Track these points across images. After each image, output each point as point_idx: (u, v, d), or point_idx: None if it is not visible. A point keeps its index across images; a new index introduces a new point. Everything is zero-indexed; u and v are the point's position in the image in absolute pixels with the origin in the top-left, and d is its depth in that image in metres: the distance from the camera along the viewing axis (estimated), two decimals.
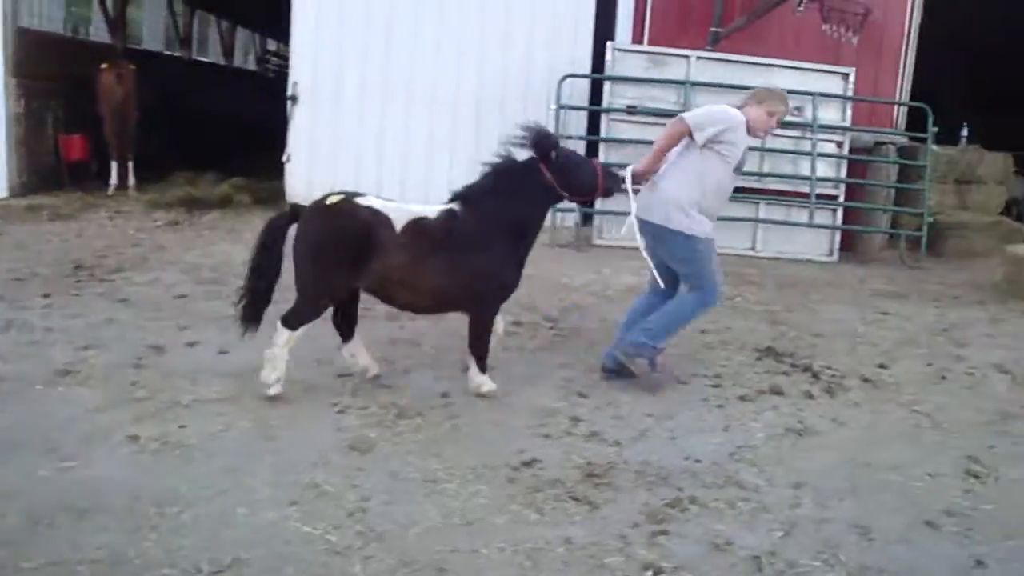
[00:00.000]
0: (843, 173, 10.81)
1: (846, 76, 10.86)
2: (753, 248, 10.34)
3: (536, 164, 5.06)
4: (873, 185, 11.10)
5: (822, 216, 10.55)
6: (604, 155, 10.48)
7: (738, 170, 5.47)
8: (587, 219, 10.55)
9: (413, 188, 10.81)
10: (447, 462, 4.18)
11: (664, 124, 10.30)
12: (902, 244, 10.83)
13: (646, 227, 5.37)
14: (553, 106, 10.45)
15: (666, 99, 10.55)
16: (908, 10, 11.90)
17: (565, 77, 10.51)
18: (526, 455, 4.29)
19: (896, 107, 11.98)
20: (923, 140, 10.97)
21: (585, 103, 11.05)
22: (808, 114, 10.48)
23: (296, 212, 4.94)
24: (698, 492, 4.00)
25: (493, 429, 4.65)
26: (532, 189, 5.08)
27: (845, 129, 10.73)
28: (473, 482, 4.00)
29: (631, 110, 10.63)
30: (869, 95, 11.57)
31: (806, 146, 10.47)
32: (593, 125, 11.04)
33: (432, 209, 5.02)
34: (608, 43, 10.76)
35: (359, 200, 4.87)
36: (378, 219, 4.78)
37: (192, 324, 6.20)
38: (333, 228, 4.80)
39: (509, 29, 11.24)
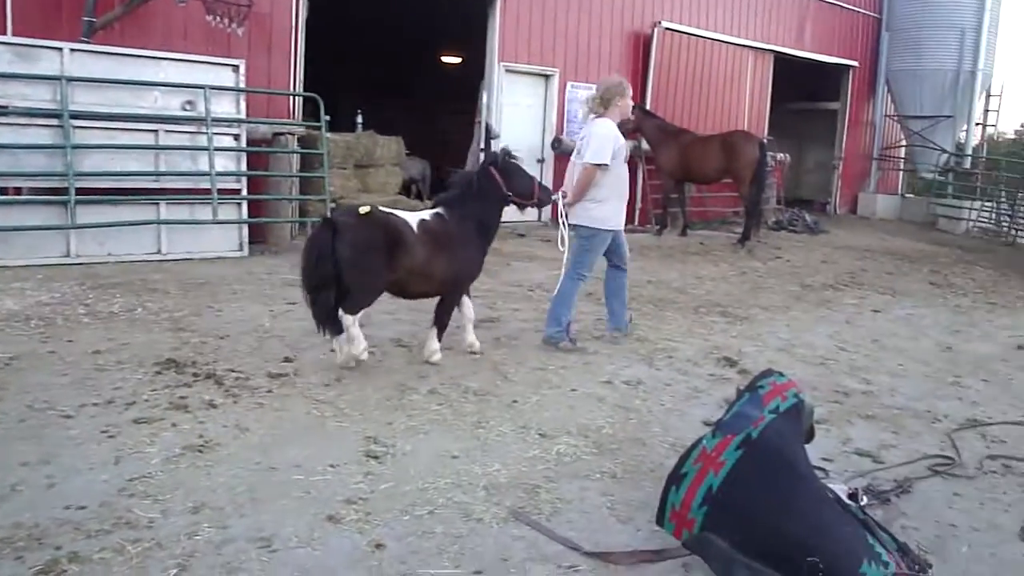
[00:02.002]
0: (243, 166, 10.65)
1: (236, 68, 10.69)
2: (159, 251, 9.71)
3: (488, 170, 6.35)
4: (277, 176, 11.16)
5: (227, 211, 10.26)
6: None
7: (627, 159, 7.06)
8: None
9: None
10: None
11: (41, 124, 9.34)
12: (309, 231, 11.04)
13: (579, 230, 6.90)
14: None
15: (40, 96, 9.42)
16: (294, 3, 12.11)
17: None
18: None
19: (291, 98, 12.16)
20: (320, 128, 11.27)
21: None
22: (201, 108, 10.13)
23: (333, 223, 5.65)
24: (80, 546, 3.47)
25: None
26: (488, 190, 6.31)
27: (240, 121, 10.56)
28: None
29: (2, 111, 9.33)
30: (263, 87, 11.58)
31: (202, 141, 10.11)
32: None
33: (425, 213, 6.20)
34: None
35: (383, 208, 5.96)
36: (401, 222, 5.85)
37: None
38: (374, 232, 5.67)
39: None
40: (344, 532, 3.73)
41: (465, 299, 6.48)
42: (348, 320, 5.73)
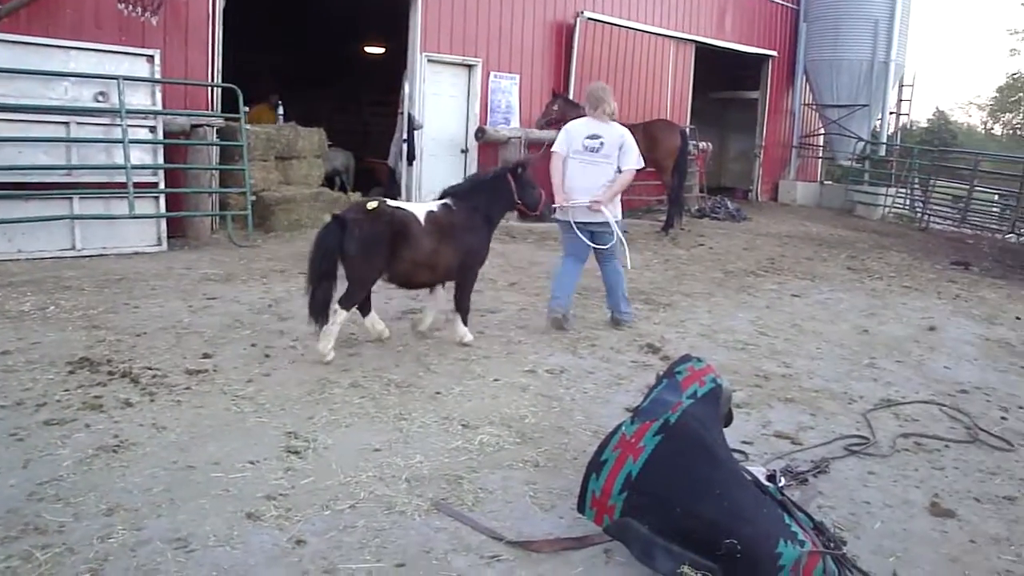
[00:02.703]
0: (160, 159, 10.39)
1: (151, 58, 10.43)
2: (73, 247, 9.42)
3: (505, 175, 6.84)
4: (195, 169, 10.92)
5: (144, 205, 10.00)
6: None
7: None
8: None
9: None
10: None
11: None
12: (230, 225, 10.86)
13: (598, 226, 7.35)
14: None
15: None
16: None
17: None
18: None
19: (209, 89, 11.90)
20: (239, 120, 11.06)
21: None
22: (115, 99, 9.86)
23: (342, 219, 5.90)
24: None
25: None
26: (500, 192, 6.80)
27: (156, 113, 10.31)
28: None
29: None
30: (180, 77, 11.31)
31: (117, 133, 9.84)
32: None
33: (432, 205, 6.50)
34: None
35: (389, 203, 6.20)
36: (408, 216, 6.15)
37: None
38: (380, 227, 5.95)
39: None
40: (264, 529, 3.68)
41: (439, 290, 6.87)
42: (341, 316, 5.98)
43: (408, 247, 6.05)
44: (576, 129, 7.36)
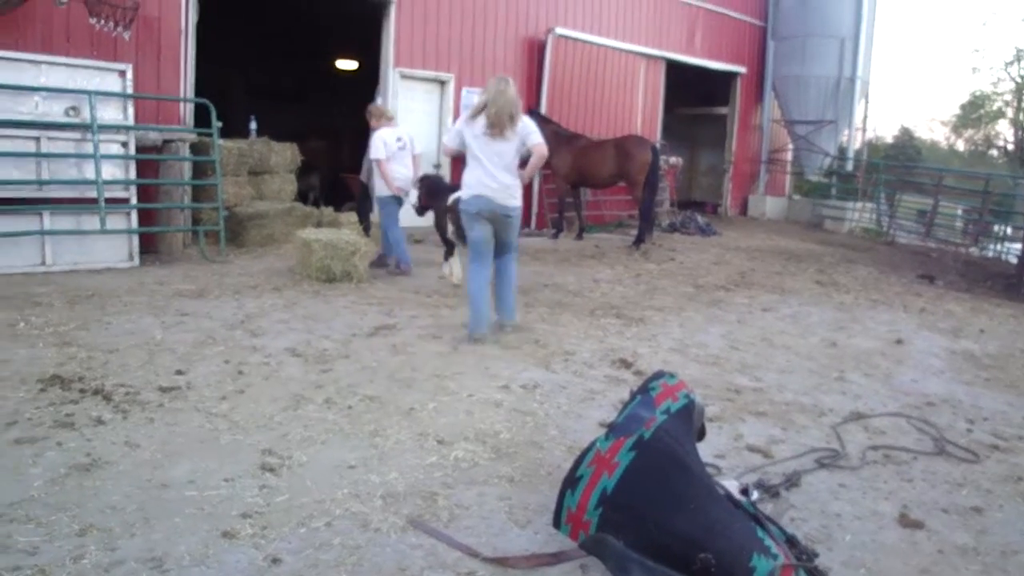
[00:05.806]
0: (132, 174, 10.35)
1: (123, 73, 10.39)
2: (43, 263, 9.34)
3: None
4: (167, 184, 10.89)
5: (116, 220, 9.95)
6: None
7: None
8: None
9: None
10: None
11: None
12: (202, 240, 10.82)
13: None
14: None
15: None
16: (183, 7, 11.81)
17: None
18: None
19: (182, 104, 11.88)
20: (212, 135, 11.04)
21: None
22: (86, 114, 9.81)
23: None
24: None
25: None
26: None
27: (128, 128, 10.27)
28: None
29: None
30: (152, 92, 11.28)
31: (88, 148, 9.78)
32: None
33: None
34: None
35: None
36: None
37: None
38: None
39: None
40: (240, 548, 3.67)
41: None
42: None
43: None
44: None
